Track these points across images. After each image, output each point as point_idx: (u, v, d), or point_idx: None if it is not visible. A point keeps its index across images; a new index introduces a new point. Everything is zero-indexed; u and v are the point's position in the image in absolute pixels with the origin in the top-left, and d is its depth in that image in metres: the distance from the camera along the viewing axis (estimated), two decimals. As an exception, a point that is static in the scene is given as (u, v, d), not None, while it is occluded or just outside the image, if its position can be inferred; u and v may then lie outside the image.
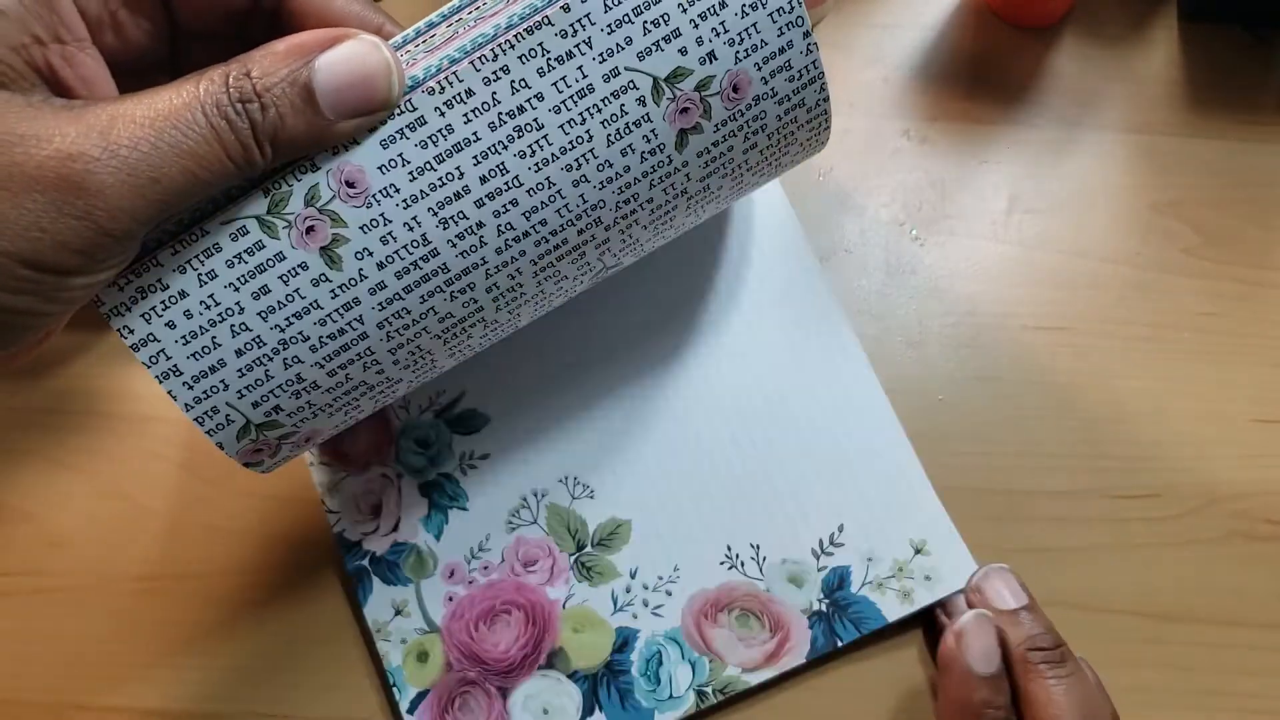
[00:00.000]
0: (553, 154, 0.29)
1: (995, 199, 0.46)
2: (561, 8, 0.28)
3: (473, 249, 0.29)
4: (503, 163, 0.28)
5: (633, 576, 0.40)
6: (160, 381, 0.28)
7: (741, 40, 0.29)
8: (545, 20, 0.28)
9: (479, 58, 0.28)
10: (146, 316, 0.28)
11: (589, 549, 0.40)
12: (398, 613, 0.40)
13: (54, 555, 0.42)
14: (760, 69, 0.30)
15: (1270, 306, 0.44)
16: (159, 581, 0.41)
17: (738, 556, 0.40)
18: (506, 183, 0.29)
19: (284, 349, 0.29)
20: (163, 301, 0.28)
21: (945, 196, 0.46)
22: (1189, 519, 0.41)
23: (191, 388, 0.29)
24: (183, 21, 0.29)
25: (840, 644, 0.39)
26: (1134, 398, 0.43)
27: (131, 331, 0.28)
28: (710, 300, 0.42)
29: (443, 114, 0.28)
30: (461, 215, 0.29)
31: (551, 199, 0.29)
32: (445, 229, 0.29)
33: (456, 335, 0.31)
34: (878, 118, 0.47)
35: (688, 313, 0.42)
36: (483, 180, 0.28)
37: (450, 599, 0.40)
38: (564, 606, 0.40)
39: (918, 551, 0.40)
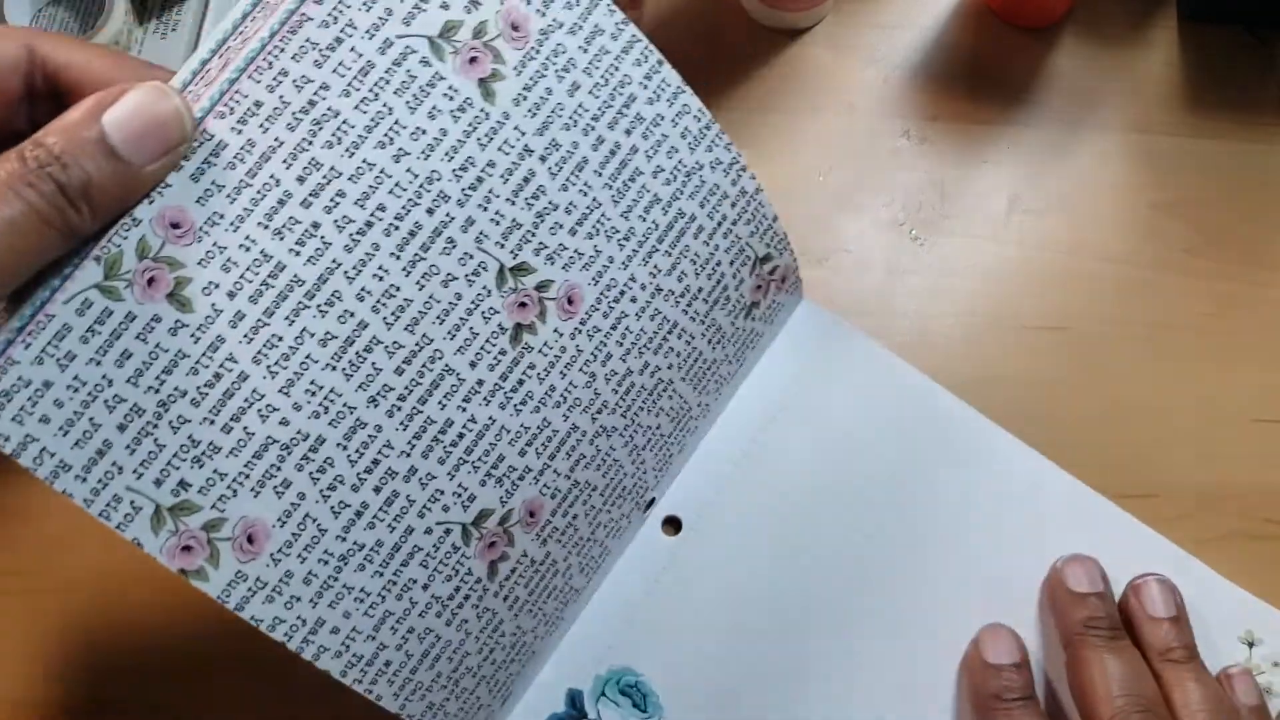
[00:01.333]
0: (359, 136, 0.29)
1: (995, 199, 0.46)
2: (314, 1, 0.29)
3: (319, 252, 0.29)
4: (313, 158, 0.29)
5: None
6: (52, 482, 0.27)
7: None
8: (304, 17, 0.28)
9: (255, 69, 0.28)
10: (18, 419, 0.26)
11: None
12: None
13: (54, 555, 0.42)
14: (530, 2, 0.31)
15: (1270, 306, 0.44)
16: (160, 581, 0.41)
17: None
18: (324, 176, 0.29)
19: (165, 410, 0.28)
20: (29, 399, 0.26)
21: (945, 196, 0.46)
22: (1189, 519, 0.41)
23: (84, 479, 0.27)
24: None
25: None
26: (1134, 398, 0.43)
27: (8, 439, 0.26)
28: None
29: (239, 131, 0.28)
30: (293, 220, 0.29)
31: (378, 180, 0.30)
32: (281, 238, 0.29)
33: (355, 364, 0.30)
34: (878, 118, 0.47)
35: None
36: (300, 180, 0.29)
37: None
38: None
39: (1251, 645, 0.38)
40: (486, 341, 0.32)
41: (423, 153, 0.30)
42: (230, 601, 0.30)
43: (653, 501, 0.39)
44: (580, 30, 0.32)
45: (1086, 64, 0.48)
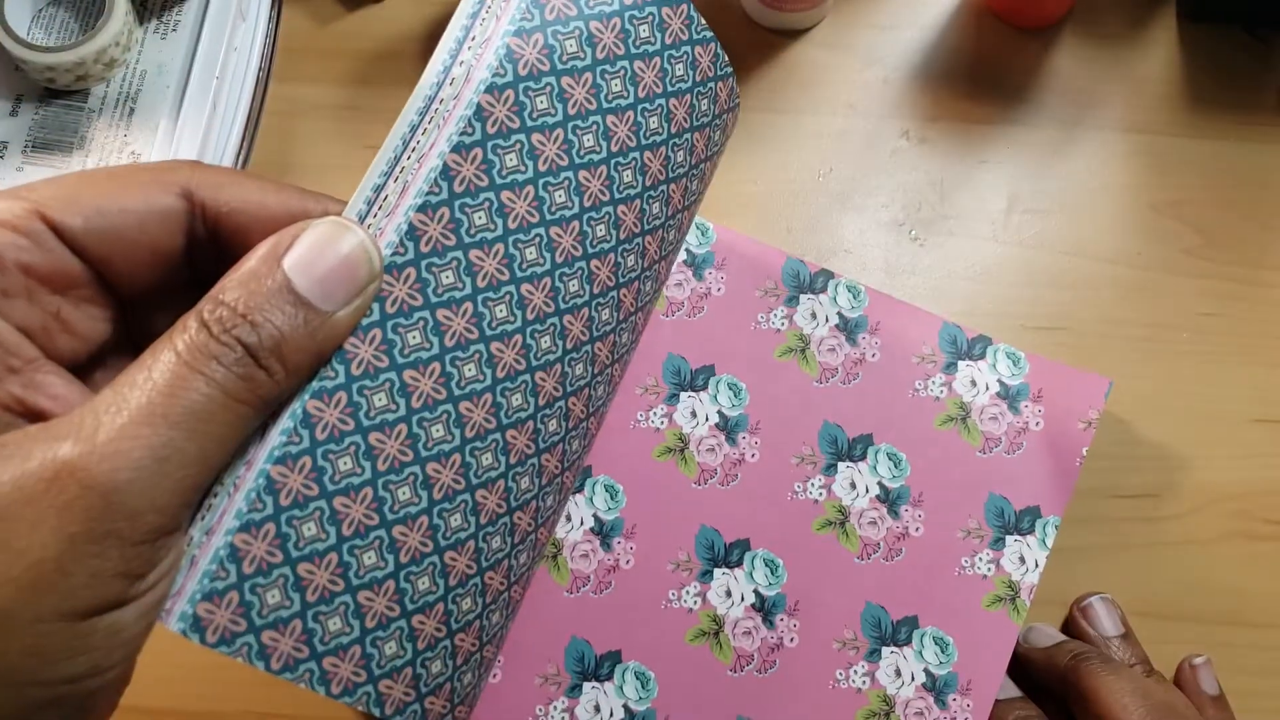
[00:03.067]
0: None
1: (995, 199, 0.46)
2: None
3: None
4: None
5: None
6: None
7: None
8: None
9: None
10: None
11: None
12: None
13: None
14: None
15: (1270, 306, 0.44)
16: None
17: None
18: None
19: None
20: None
21: (945, 196, 0.46)
22: (1189, 519, 0.41)
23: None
24: (127, 291, 0.26)
25: None
26: (1134, 398, 0.43)
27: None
28: None
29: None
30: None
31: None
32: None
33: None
34: (878, 118, 0.47)
35: None
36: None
37: None
38: None
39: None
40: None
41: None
42: None
43: None
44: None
45: (1086, 64, 0.48)
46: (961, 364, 0.42)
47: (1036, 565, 0.39)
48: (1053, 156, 0.47)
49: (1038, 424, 0.41)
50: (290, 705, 0.40)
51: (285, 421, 0.24)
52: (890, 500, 0.40)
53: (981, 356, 0.42)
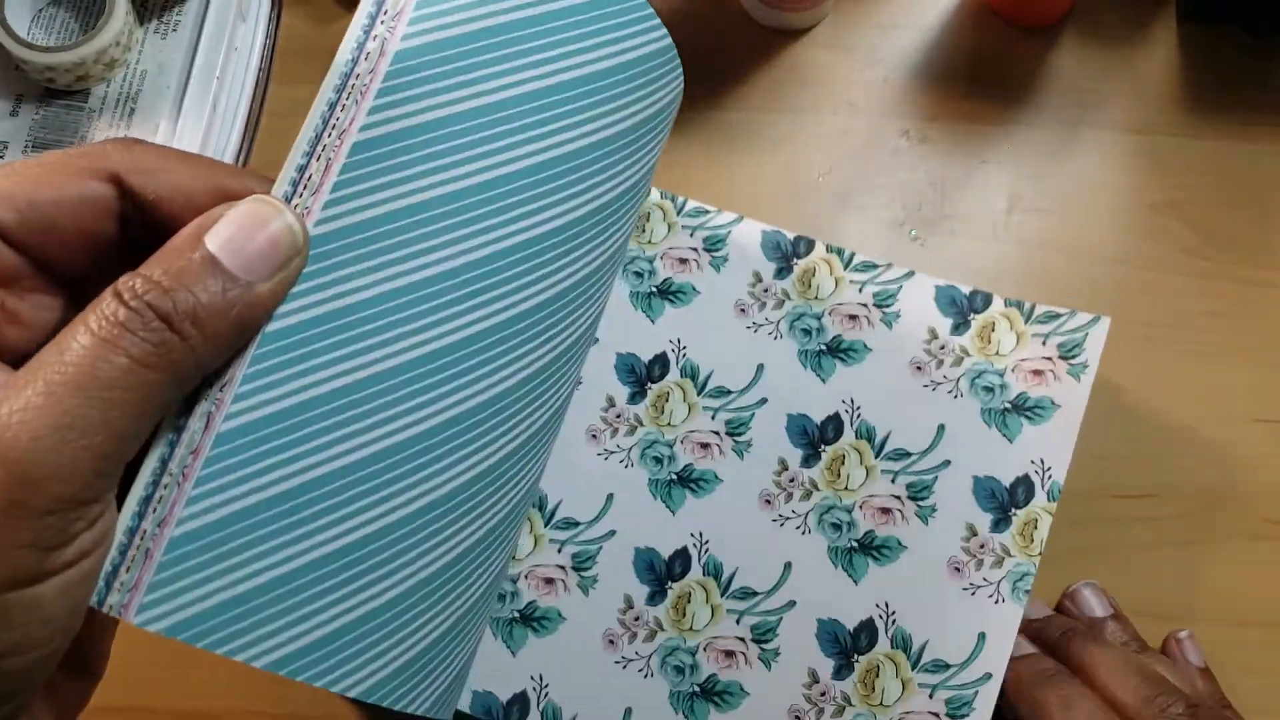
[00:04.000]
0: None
1: (995, 199, 0.46)
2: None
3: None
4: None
5: None
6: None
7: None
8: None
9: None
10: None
11: None
12: None
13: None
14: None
15: (1270, 306, 0.44)
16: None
17: None
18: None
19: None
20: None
21: (945, 196, 0.46)
22: (1189, 519, 0.41)
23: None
24: (70, 277, 0.26)
25: None
26: (1134, 398, 0.43)
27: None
28: None
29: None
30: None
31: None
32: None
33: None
34: (878, 118, 0.47)
35: None
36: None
37: None
38: None
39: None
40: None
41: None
42: None
43: None
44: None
45: (1086, 64, 0.48)
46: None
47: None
48: (1053, 156, 0.47)
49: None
50: (290, 705, 0.40)
51: (229, 406, 0.24)
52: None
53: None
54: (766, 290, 0.42)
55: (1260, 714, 0.39)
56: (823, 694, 0.38)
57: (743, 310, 0.42)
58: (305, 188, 0.26)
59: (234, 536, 0.24)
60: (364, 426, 0.26)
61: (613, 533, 0.40)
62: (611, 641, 0.39)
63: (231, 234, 0.23)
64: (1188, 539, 0.41)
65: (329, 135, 0.27)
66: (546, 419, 0.32)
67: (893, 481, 0.39)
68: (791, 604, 0.38)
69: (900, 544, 0.39)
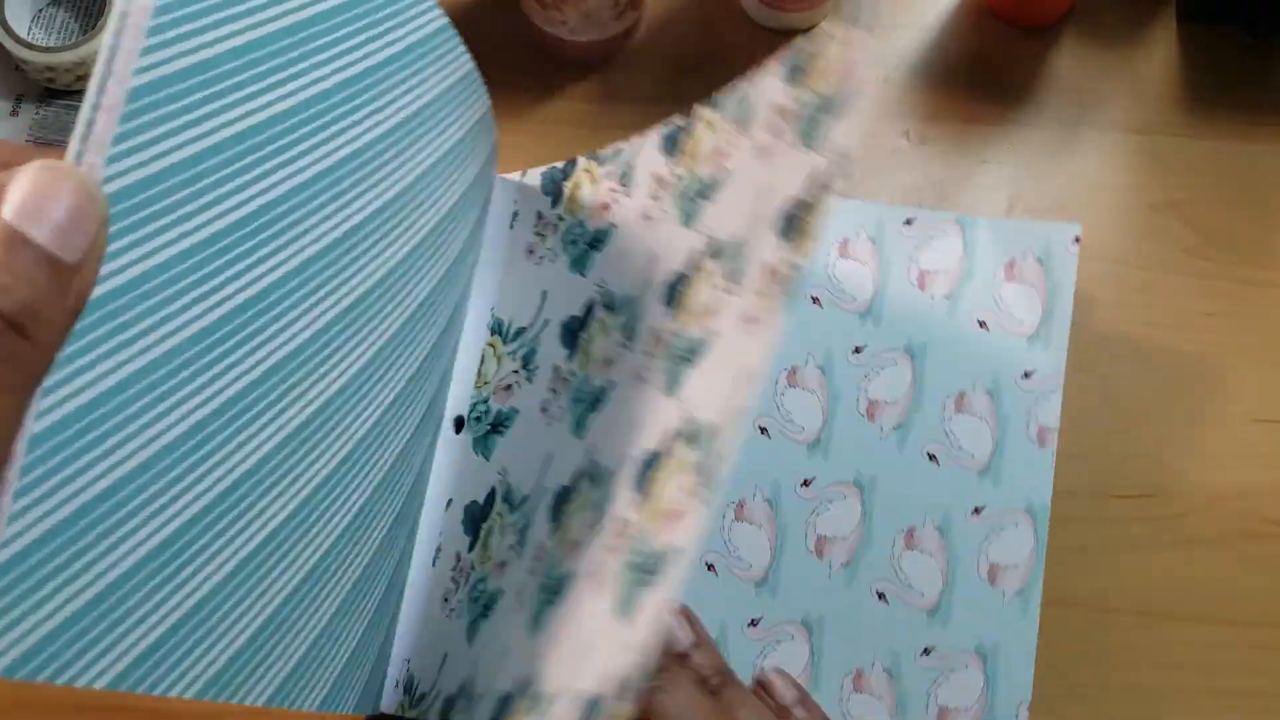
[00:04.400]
0: None
1: (995, 199, 0.46)
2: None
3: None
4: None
5: None
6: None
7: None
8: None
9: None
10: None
11: None
12: None
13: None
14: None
15: (1270, 306, 0.44)
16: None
17: None
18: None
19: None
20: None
21: (945, 196, 0.46)
22: (1188, 519, 0.41)
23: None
24: None
25: None
26: (1133, 397, 0.43)
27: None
28: None
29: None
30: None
31: None
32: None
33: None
34: (878, 117, 0.47)
35: None
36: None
37: None
38: None
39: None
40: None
41: None
42: None
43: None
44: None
45: (1086, 64, 0.48)
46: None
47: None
48: (1053, 156, 0.47)
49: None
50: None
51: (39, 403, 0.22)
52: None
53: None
54: (546, 223, 0.43)
55: (1259, 714, 0.39)
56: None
57: (530, 251, 0.43)
58: (93, 144, 0.23)
59: (54, 555, 0.22)
60: (183, 396, 0.25)
61: (450, 501, 0.41)
62: (445, 599, 0.40)
63: (25, 200, 0.20)
64: (1187, 539, 0.41)
65: (111, 82, 0.24)
66: (358, 370, 0.32)
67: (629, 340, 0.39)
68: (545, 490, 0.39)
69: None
